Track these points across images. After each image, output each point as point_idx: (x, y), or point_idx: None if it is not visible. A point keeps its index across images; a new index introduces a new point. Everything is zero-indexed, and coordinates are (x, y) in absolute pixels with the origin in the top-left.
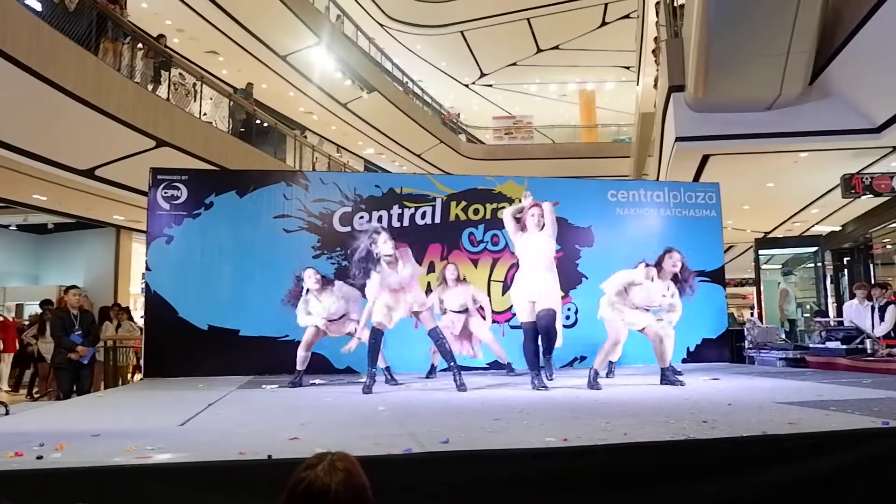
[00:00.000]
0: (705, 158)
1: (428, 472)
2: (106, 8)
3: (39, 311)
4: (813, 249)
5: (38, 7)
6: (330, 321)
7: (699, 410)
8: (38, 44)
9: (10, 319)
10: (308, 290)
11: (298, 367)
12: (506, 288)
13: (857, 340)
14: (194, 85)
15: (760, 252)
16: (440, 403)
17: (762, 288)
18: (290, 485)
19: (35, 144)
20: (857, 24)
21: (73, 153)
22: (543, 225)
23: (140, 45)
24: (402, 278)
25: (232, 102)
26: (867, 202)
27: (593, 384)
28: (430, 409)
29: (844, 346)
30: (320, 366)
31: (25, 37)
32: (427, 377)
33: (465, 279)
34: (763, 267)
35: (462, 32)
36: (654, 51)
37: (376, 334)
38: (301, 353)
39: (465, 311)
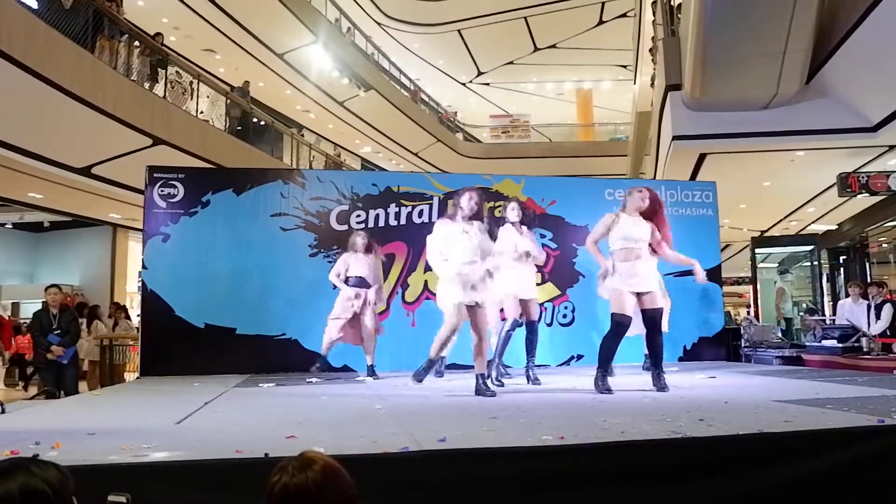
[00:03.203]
0: (702, 157)
1: (425, 471)
2: (102, 6)
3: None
4: (809, 248)
5: (35, 5)
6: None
7: (696, 409)
8: (34, 41)
9: (7, 318)
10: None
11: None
12: None
13: (853, 339)
14: (191, 83)
15: (757, 251)
16: (438, 402)
17: (758, 286)
18: (266, 492)
19: (31, 142)
20: (853, 24)
21: (70, 151)
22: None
23: (137, 43)
24: (528, 245)
25: (229, 101)
26: (863, 201)
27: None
28: (428, 407)
29: (840, 345)
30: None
31: (21, 34)
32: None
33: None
34: (759, 265)
35: (459, 31)
36: (651, 50)
37: (515, 326)
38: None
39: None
